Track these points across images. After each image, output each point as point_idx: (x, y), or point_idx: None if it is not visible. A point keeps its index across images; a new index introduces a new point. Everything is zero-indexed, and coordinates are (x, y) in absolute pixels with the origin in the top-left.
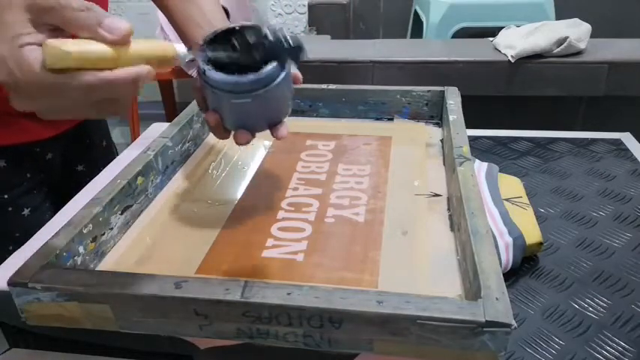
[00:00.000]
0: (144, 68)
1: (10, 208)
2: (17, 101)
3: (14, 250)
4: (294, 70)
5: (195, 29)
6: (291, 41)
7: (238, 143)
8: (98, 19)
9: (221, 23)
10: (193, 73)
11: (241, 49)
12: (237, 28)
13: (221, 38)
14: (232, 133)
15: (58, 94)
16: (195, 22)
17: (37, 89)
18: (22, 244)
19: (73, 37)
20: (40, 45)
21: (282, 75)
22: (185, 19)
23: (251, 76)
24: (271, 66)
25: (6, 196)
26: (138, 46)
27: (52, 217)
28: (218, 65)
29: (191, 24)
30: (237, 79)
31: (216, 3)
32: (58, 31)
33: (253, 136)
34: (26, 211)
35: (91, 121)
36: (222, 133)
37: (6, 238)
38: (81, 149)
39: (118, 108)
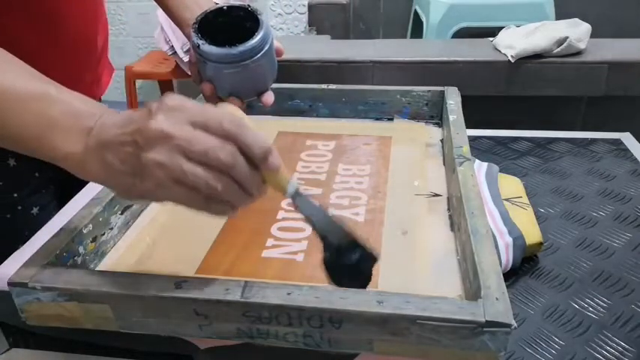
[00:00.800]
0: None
1: (19, 207)
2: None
3: None
4: (276, 43)
5: (185, 12)
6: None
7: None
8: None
9: (208, 4)
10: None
11: (229, 25)
12: (224, 8)
13: (211, 18)
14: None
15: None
16: (184, 5)
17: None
18: None
19: None
20: None
21: (266, 47)
22: (176, 3)
23: (240, 48)
24: (257, 38)
25: (15, 195)
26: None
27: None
28: (210, 39)
29: (181, 7)
30: (228, 50)
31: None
32: None
33: (243, 103)
34: (35, 210)
35: None
36: (215, 101)
37: (16, 237)
38: None
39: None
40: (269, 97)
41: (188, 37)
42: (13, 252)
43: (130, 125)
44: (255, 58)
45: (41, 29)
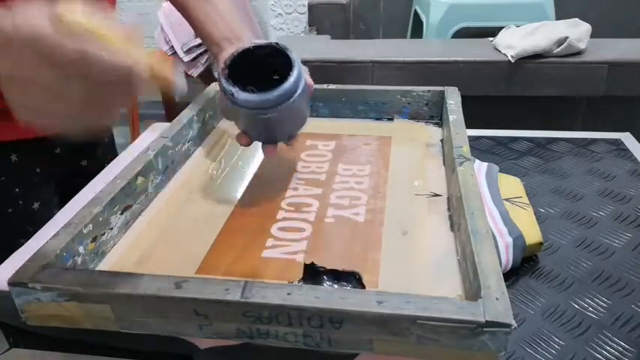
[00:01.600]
0: (142, 65)
1: (20, 202)
2: None
3: (25, 243)
4: (307, 78)
5: (213, 28)
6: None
7: (267, 155)
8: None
9: (238, 21)
10: (193, 73)
11: (257, 66)
12: (251, 47)
13: (238, 59)
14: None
15: (52, 49)
16: (212, 21)
17: (33, 43)
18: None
19: None
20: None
21: (301, 86)
22: (202, 18)
23: (276, 92)
24: (292, 79)
25: (17, 190)
26: (147, 53)
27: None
28: (239, 83)
29: (208, 22)
30: (264, 96)
31: (230, 2)
32: None
33: (276, 145)
34: (36, 205)
35: None
36: (251, 144)
37: (18, 232)
38: (86, 144)
39: (110, 109)
40: (294, 140)
41: (215, 56)
42: (15, 246)
43: None
44: (292, 100)
45: None
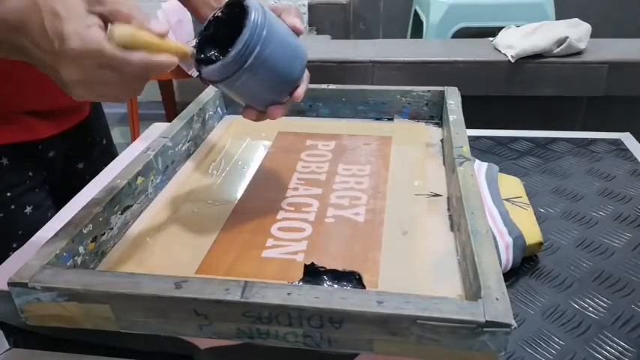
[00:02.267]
0: (175, 58)
1: (12, 206)
2: (67, 71)
3: (18, 247)
4: (290, 20)
5: (205, 8)
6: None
7: (274, 118)
8: (147, 17)
9: None
10: (193, 73)
11: (225, 32)
12: (218, 14)
13: (211, 32)
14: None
15: (116, 66)
16: (203, 1)
17: (99, 61)
18: (25, 242)
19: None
20: (101, 27)
21: (264, 34)
22: (197, 2)
23: (231, 53)
24: (246, 34)
25: (8, 194)
26: (170, 41)
27: (54, 215)
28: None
29: (200, 3)
30: (221, 63)
31: None
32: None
33: (285, 103)
34: (28, 209)
35: (93, 119)
36: (263, 117)
37: (9, 236)
38: (82, 148)
39: (142, 88)
40: (299, 90)
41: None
42: (7, 251)
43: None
44: (256, 52)
45: None
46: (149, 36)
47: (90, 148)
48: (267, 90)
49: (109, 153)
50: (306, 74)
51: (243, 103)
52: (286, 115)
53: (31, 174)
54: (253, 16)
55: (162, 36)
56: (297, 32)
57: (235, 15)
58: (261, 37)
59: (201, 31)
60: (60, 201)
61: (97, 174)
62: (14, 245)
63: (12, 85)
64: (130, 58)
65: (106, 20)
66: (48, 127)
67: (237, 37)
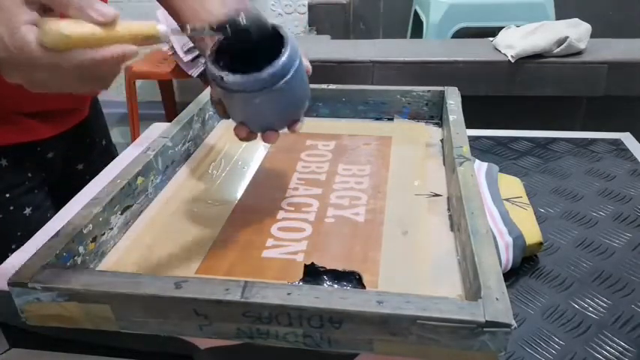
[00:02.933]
0: (128, 47)
1: (11, 207)
2: (9, 74)
3: (17, 248)
4: (304, 60)
5: (189, 11)
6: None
7: (268, 142)
8: (89, 2)
9: (216, 5)
10: (193, 73)
11: (249, 50)
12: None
13: (225, 44)
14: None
15: (51, 70)
16: (192, 10)
17: (32, 65)
18: (25, 243)
19: (62, 15)
20: (35, 24)
21: (296, 64)
22: (183, 7)
23: (269, 70)
24: (285, 55)
25: (7, 195)
26: (123, 27)
27: (53, 216)
28: (230, 69)
29: (189, 12)
30: (256, 76)
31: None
32: (47, 10)
33: (278, 132)
34: (28, 210)
35: (92, 120)
36: (252, 137)
37: (9, 237)
38: (81, 148)
39: (104, 84)
40: (300, 125)
41: (200, 50)
42: (6, 252)
43: None
44: (287, 79)
45: None
46: (88, 29)
47: (89, 148)
48: (276, 115)
49: (108, 153)
50: None
51: (241, 119)
52: None
53: (30, 175)
54: (292, 43)
55: (108, 24)
56: (308, 72)
57: (259, 40)
58: (295, 66)
59: (221, 40)
60: (59, 201)
61: (97, 174)
62: (13, 246)
63: (9, 87)
64: (61, 60)
65: (47, 10)
66: (47, 128)
67: (259, 55)
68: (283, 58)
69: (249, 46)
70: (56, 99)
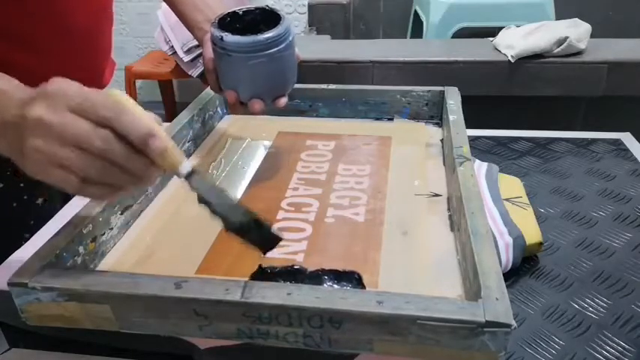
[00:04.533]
0: (162, 137)
1: (25, 197)
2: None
3: (29, 237)
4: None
5: (197, 14)
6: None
7: (253, 112)
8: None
9: (219, 7)
10: (193, 73)
11: (246, 28)
12: (240, 12)
13: (228, 20)
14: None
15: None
16: (195, 7)
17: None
18: (36, 232)
19: None
20: None
21: (290, 38)
22: (188, 7)
23: (266, 34)
24: (281, 27)
25: (22, 185)
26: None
27: (63, 206)
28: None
29: (191, 8)
30: (254, 37)
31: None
32: None
33: (266, 105)
34: (40, 200)
35: None
36: (239, 108)
37: (22, 226)
38: None
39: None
40: (283, 100)
41: (199, 40)
42: (19, 239)
43: (18, 109)
44: (281, 47)
45: (50, 23)
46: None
47: None
48: (265, 82)
49: None
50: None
51: (232, 84)
52: (286, 115)
53: None
54: (287, 22)
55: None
56: (297, 57)
57: (254, 21)
58: (288, 39)
59: (225, 14)
60: (70, 195)
61: None
62: (27, 235)
63: (24, 78)
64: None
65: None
66: None
67: (259, 32)
68: (280, 28)
69: (250, 25)
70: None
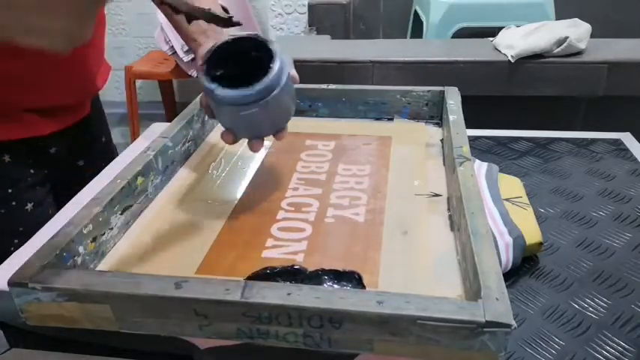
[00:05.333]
0: None
1: (13, 203)
2: None
3: (19, 244)
4: (291, 70)
5: (200, 36)
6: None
7: (254, 151)
8: None
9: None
10: (193, 73)
11: (239, 60)
12: (229, 41)
13: (218, 53)
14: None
15: None
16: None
17: None
18: (27, 239)
19: None
20: None
21: (284, 79)
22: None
23: (257, 87)
24: (273, 72)
25: (10, 191)
26: None
27: (55, 212)
28: (220, 78)
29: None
30: (245, 92)
31: (214, 1)
32: None
33: (263, 140)
34: (29, 206)
35: (94, 117)
36: (236, 142)
37: (11, 233)
38: (82, 144)
39: None
40: (284, 133)
41: (194, 52)
42: (9, 247)
43: None
44: (274, 94)
45: None
46: None
47: (90, 145)
48: (263, 126)
49: (109, 150)
50: None
51: (228, 126)
52: None
53: (32, 171)
54: (280, 58)
55: None
56: (295, 81)
57: (249, 48)
58: (282, 81)
59: (214, 49)
60: (60, 198)
61: (97, 171)
62: (15, 241)
63: (12, 83)
64: None
65: None
66: (49, 124)
67: (251, 69)
68: (271, 75)
69: (240, 56)
70: (58, 96)
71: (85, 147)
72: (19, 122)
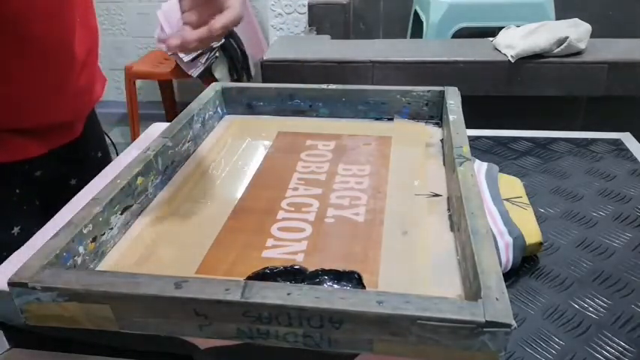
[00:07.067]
0: None
1: None
2: None
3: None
4: None
5: None
6: None
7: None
8: None
9: None
10: (193, 73)
11: None
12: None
13: None
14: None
15: None
16: None
17: None
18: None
19: None
20: None
21: None
22: None
23: None
24: None
25: None
26: None
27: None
28: None
29: None
30: None
31: None
32: None
33: None
34: (16, 230)
35: (87, 134)
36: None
37: None
38: (74, 164)
39: None
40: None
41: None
42: None
43: None
44: None
45: (2, 40)
46: None
47: (83, 164)
48: None
49: (105, 165)
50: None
51: None
52: (286, 115)
53: (18, 191)
54: None
55: None
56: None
57: None
58: None
59: None
60: (53, 212)
61: None
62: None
63: None
64: None
65: None
66: (34, 146)
67: None
68: None
69: None
70: (43, 115)
71: (77, 166)
72: (3, 144)
